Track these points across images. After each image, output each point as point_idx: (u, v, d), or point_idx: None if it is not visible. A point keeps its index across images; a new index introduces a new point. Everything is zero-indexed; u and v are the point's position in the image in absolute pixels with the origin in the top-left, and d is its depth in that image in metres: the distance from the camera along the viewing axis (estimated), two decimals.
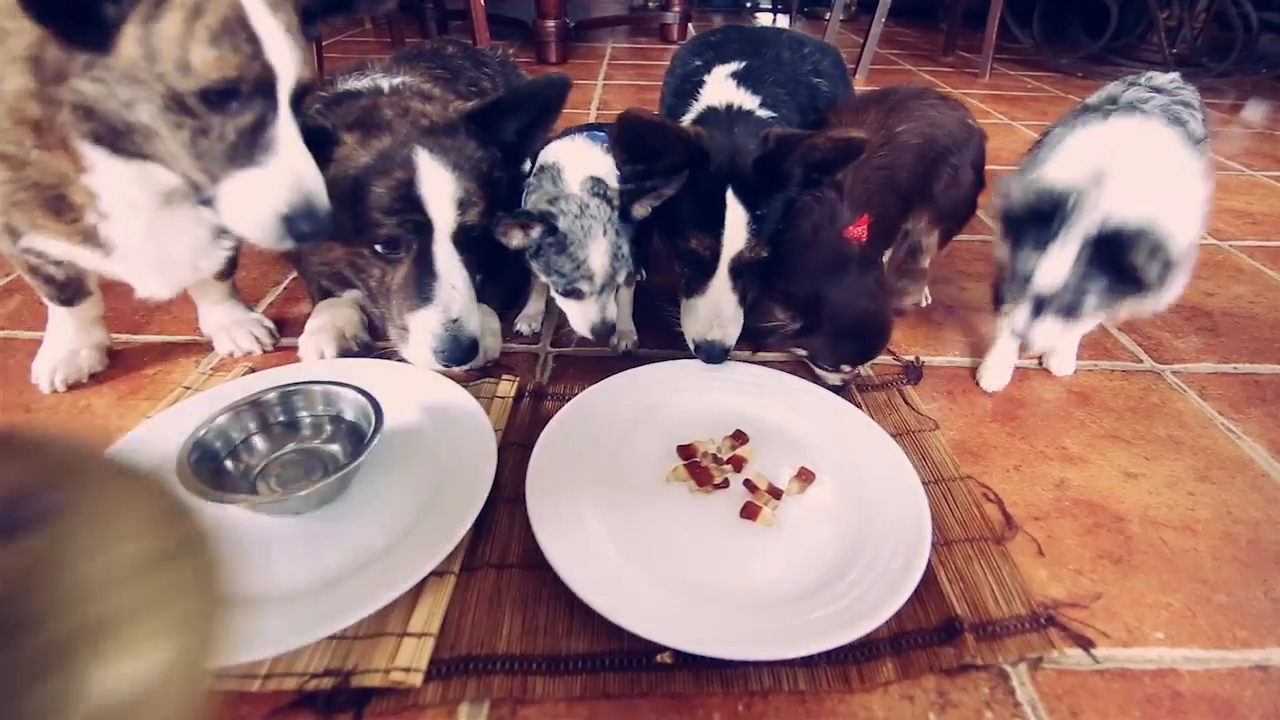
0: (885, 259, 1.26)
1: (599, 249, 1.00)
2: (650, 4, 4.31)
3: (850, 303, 1.03)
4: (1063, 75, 3.52)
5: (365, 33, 4.07)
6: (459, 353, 1.00)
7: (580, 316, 1.06)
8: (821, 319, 1.03)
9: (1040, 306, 0.98)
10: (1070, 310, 0.96)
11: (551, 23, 3.24)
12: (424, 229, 0.97)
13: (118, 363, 1.14)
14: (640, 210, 1.03)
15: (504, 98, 1.06)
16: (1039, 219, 0.95)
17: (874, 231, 1.05)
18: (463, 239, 1.00)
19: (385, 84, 1.10)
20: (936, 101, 1.22)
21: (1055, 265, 0.94)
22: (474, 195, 0.99)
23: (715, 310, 1.07)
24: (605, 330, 1.06)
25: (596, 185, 1.03)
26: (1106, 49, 3.64)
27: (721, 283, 1.07)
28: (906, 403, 1.10)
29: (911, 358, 1.21)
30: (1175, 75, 1.15)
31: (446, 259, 0.99)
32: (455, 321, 0.99)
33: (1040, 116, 2.77)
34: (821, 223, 1.04)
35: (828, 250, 1.04)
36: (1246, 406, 1.16)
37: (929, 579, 0.80)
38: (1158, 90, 1.10)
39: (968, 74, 3.46)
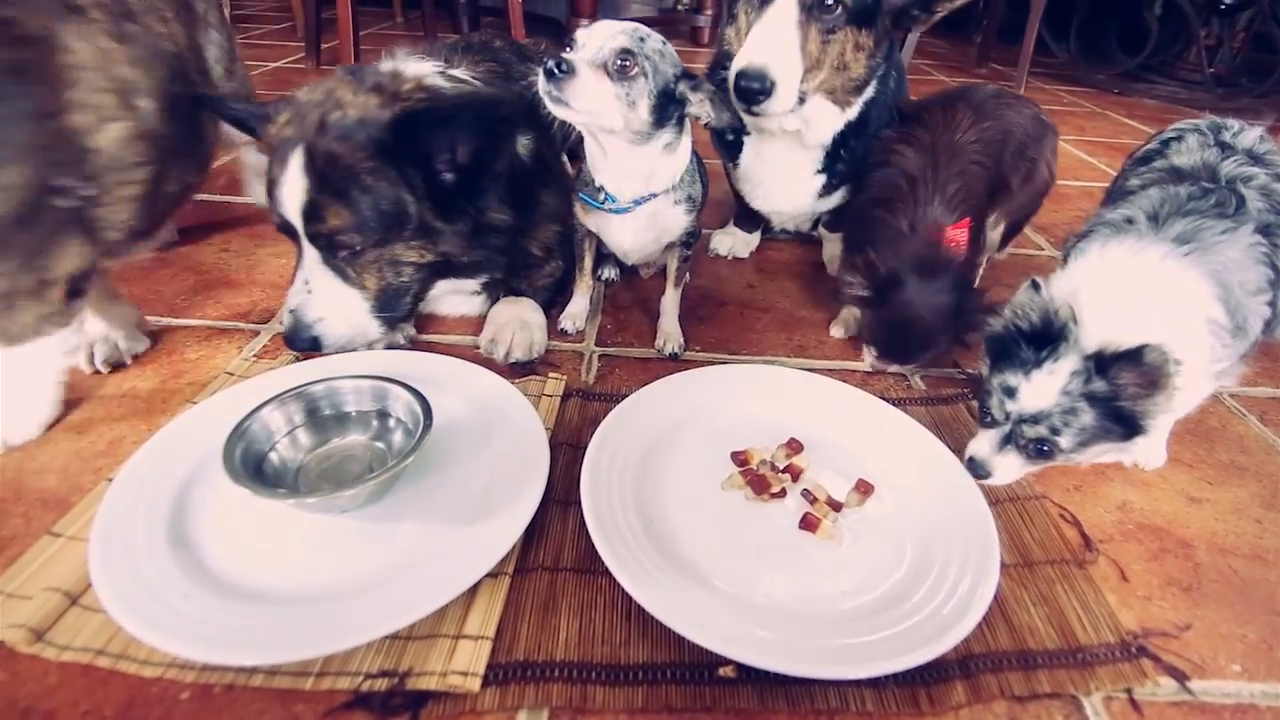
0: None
1: (606, 26, 0.95)
2: (681, 6, 4.29)
3: (917, 303, 1.03)
4: (1098, 91, 3.48)
5: (397, 26, 4.08)
6: (293, 339, 1.02)
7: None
8: (887, 304, 1.04)
9: (1010, 437, 0.87)
10: (1041, 447, 0.85)
11: (585, 21, 3.22)
12: (292, 228, 0.99)
13: (160, 347, 1.13)
14: (691, 97, 0.99)
15: (433, 106, 0.97)
16: (1031, 338, 0.86)
17: (973, 232, 1.05)
18: (325, 244, 0.99)
19: (404, 68, 1.06)
20: (1012, 101, 1.23)
21: (1042, 387, 0.83)
22: (324, 205, 0.95)
23: (765, 34, 1.00)
24: (555, 61, 0.91)
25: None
26: (1143, 66, 3.60)
27: (787, 4, 1.01)
28: (974, 417, 1.06)
29: (975, 371, 1.18)
30: (1260, 131, 1.06)
31: (308, 259, 1.01)
32: (292, 312, 1.02)
33: (1078, 132, 2.74)
34: (920, 221, 1.05)
35: (922, 246, 1.04)
36: None
37: (996, 600, 0.77)
38: (1256, 160, 1.00)
39: (1002, 86, 3.42)
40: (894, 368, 1.14)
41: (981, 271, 1.41)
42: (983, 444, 0.90)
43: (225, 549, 0.76)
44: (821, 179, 1.34)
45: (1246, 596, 0.83)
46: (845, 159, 1.32)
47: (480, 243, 1.07)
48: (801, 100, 1.15)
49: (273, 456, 0.85)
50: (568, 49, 0.96)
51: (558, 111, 0.95)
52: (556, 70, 0.91)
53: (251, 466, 0.80)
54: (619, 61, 0.93)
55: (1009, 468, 0.88)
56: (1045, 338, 0.84)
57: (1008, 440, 0.87)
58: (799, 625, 0.72)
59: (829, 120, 1.24)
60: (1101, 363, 0.81)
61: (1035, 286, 0.87)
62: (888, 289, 1.05)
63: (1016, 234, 1.39)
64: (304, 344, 1.02)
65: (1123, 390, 0.81)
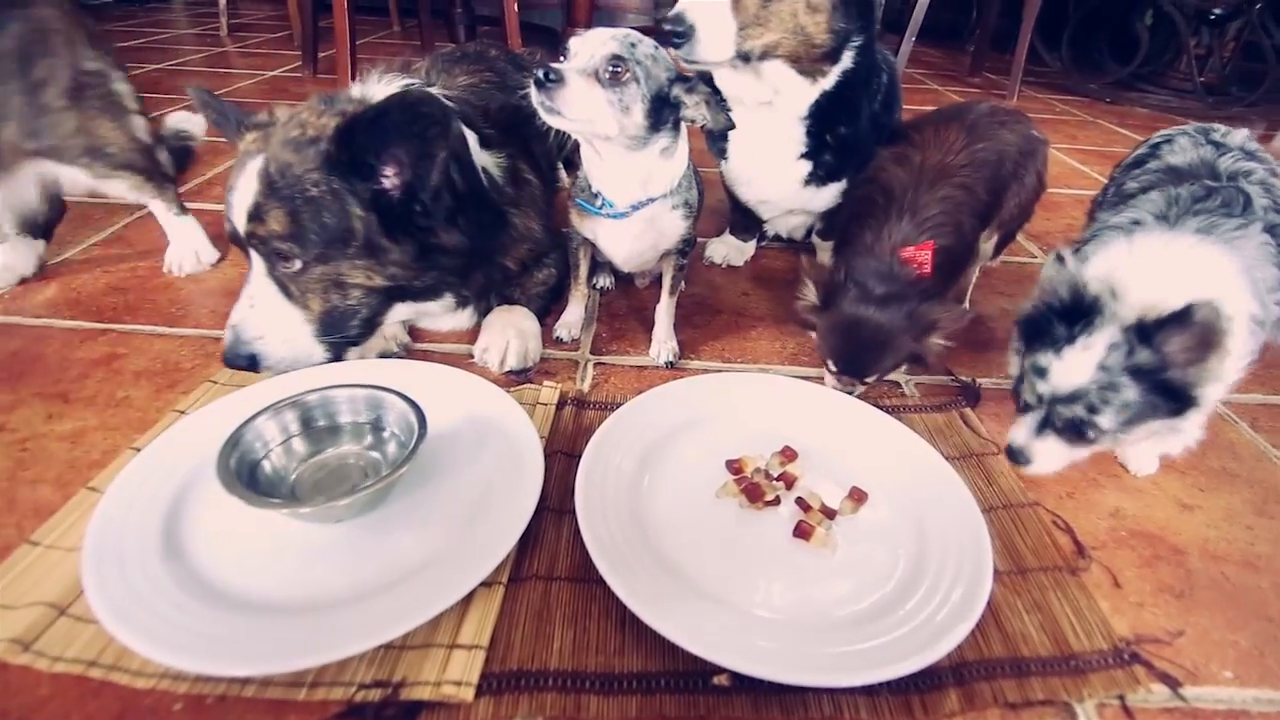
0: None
1: (598, 34, 0.96)
2: None
3: (861, 314, 1.02)
4: (1090, 99, 3.51)
5: (394, 35, 4.09)
6: (229, 356, 1.00)
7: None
8: (831, 314, 1.05)
9: (1047, 420, 0.85)
10: (1080, 428, 0.82)
11: (580, 31, 3.24)
12: (240, 237, 0.99)
13: (154, 357, 1.13)
14: (685, 100, 1.01)
15: (362, 113, 0.95)
16: (1062, 315, 0.83)
17: (951, 255, 1.04)
18: (266, 251, 0.98)
19: (372, 92, 1.07)
20: (1006, 118, 1.25)
21: (1075, 364, 0.79)
22: (267, 209, 0.95)
23: None
24: (545, 70, 0.92)
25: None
26: (1135, 75, 3.63)
27: None
28: (967, 425, 1.07)
29: (969, 378, 1.18)
30: (1245, 131, 1.08)
31: (255, 271, 1.01)
32: (233, 327, 1.00)
33: (1070, 140, 2.76)
34: (884, 239, 1.04)
35: (874, 260, 1.04)
36: None
37: (989, 608, 0.77)
38: (1250, 156, 1.02)
39: (995, 95, 3.45)
40: (857, 388, 1.10)
41: (975, 279, 1.42)
42: (1020, 431, 0.87)
43: (219, 559, 0.76)
44: (806, 166, 1.33)
45: (1238, 603, 0.84)
46: (832, 147, 1.30)
47: (430, 264, 1.05)
48: (747, 59, 1.15)
49: (266, 466, 0.85)
50: (561, 58, 0.97)
51: (551, 120, 0.96)
52: (546, 80, 0.92)
53: (245, 476, 0.80)
54: (610, 68, 0.94)
55: (1050, 454, 0.85)
56: (1077, 313, 0.81)
57: (1045, 424, 0.84)
58: (793, 633, 0.72)
59: (798, 90, 1.23)
60: (1144, 331, 0.77)
61: (1060, 259, 0.84)
62: (832, 298, 1.05)
63: (1009, 242, 1.41)
64: (241, 361, 1.00)
65: (1171, 357, 0.77)
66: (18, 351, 1.12)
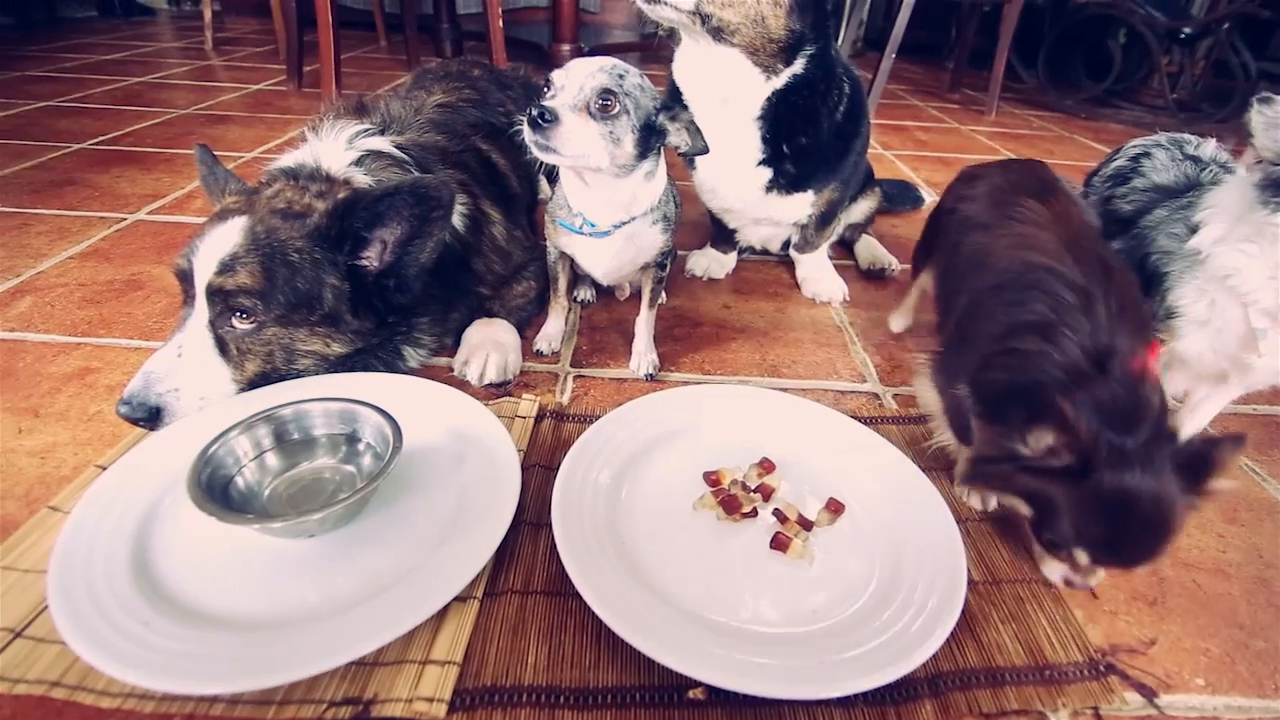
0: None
1: (582, 66, 0.96)
2: (661, 33, 4.37)
3: (1146, 475, 0.68)
4: (1066, 116, 3.58)
5: (380, 50, 4.11)
6: (131, 404, 0.92)
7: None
8: (1098, 481, 0.69)
9: None
10: None
11: (566, 47, 3.28)
12: (191, 280, 0.96)
13: (129, 371, 1.12)
14: (670, 127, 1.02)
15: (368, 191, 0.99)
16: None
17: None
18: (222, 304, 0.95)
19: (332, 168, 1.08)
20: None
21: None
22: (243, 266, 0.94)
23: None
24: (539, 111, 0.91)
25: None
26: (1109, 91, 3.71)
27: None
28: None
29: None
30: (1214, 142, 1.13)
31: (195, 320, 0.97)
32: (145, 372, 0.94)
33: (1047, 155, 2.81)
34: (1103, 350, 0.74)
35: (1110, 388, 0.72)
36: (1270, 448, 1.15)
37: (964, 618, 0.77)
38: (1222, 167, 1.07)
39: (974, 111, 3.52)
40: (1096, 576, 0.78)
41: None
42: None
43: (190, 576, 0.75)
44: (766, 173, 1.32)
45: (1210, 610, 0.85)
46: (791, 156, 1.31)
47: (390, 327, 1.08)
48: (706, 21, 1.16)
49: (239, 481, 0.84)
50: (545, 90, 0.98)
51: (545, 158, 0.96)
52: (541, 121, 0.92)
53: (218, 492, 0.80)
54: (600, 101, 0.94)
55: None
56: None
57: None
58: (769, 646, 0.71)
59: (752, 85, 1.24)
60: None
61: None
62: (1094, 458, 0.69)
63: None
64: (140, 413, 0.92)
65: None
66: None
